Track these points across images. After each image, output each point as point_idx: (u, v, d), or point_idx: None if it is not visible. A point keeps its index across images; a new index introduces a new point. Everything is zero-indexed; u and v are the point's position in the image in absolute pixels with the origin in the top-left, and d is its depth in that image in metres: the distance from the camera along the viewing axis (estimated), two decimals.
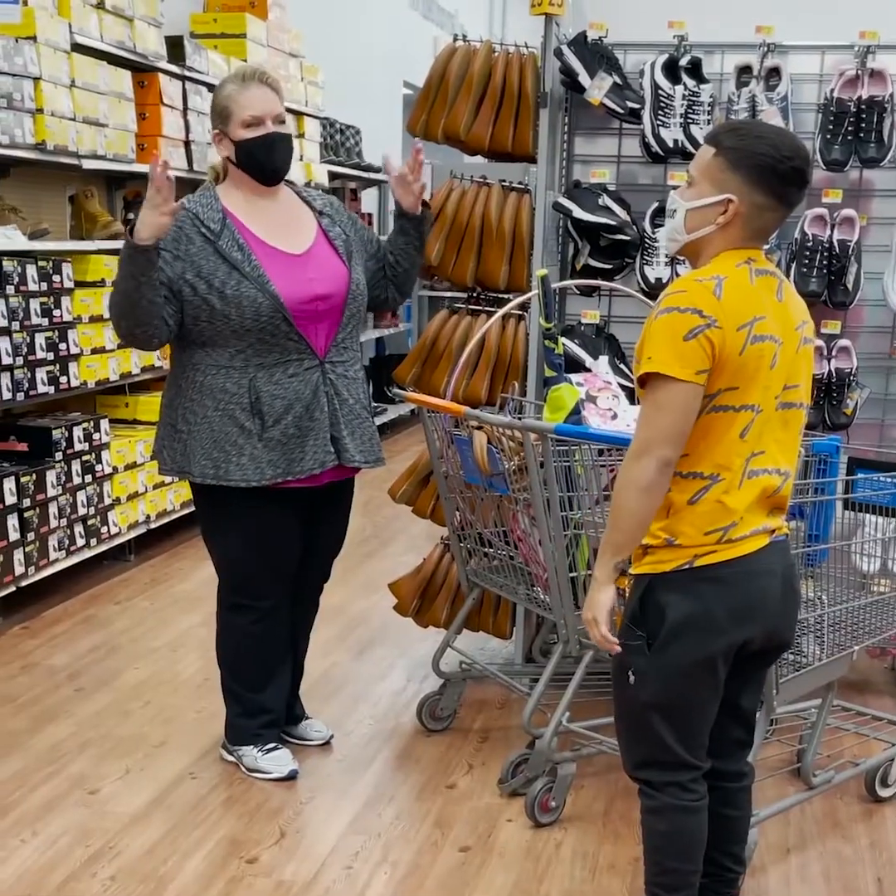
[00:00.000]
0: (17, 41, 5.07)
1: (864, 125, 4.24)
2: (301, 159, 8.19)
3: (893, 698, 4.47)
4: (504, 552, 3.81)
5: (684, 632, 2.54)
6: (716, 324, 2.45)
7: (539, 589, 3.70)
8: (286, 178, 3.67)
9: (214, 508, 3.63)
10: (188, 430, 3.53)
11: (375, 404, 9.81)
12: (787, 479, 2.61)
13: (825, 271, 4.31)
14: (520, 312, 4.36)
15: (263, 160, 3.53)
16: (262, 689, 3.78)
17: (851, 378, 4.38)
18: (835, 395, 4.37)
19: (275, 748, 3.80)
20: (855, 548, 4.25)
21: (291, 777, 3.75)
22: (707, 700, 2.63)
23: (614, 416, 3.58)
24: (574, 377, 3.74)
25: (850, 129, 4.25)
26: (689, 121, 4.30)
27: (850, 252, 4.29)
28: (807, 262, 4.30)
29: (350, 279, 3.62)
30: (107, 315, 5.67)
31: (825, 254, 4.31)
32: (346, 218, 3.80)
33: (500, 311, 4.09)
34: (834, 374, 4.36)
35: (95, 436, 5.65)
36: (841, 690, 4.30)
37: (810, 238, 4.31)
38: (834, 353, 4.39)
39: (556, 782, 3.53)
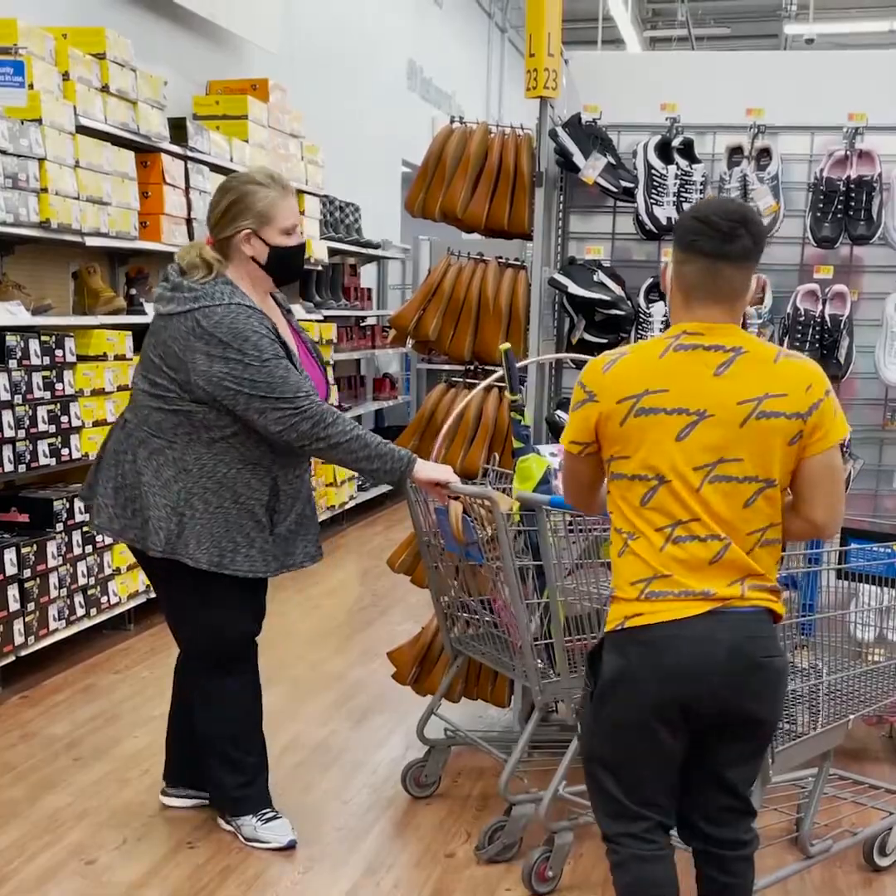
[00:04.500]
0: (23, 123, 5.18)
1: (853, 204, 4.33)
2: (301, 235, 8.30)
3: (891, 765, 4.48)
4: (488, 620, 3.84)
5: (613, 690, 2.64)
6: (594, 397, 2.67)
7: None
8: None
9: (205, 587, 3.58)
10: (192, 515, 3.50)
11: None
12: (728, 545, 2.60)
13: (817, 345, 4.38)
14: None
15: (293, 267, 3.70)
16: (260, 751, 3.81)
17: (845, 450, 4.43)
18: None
19: (274, 817, 3.80)
20: (851, 617, 4.27)
21: (290, 847, 3.75)
22: (646, 758, 2.65)
23: None
24: (547, 447, 3.82)
25: (839, 207, 4.34)
26: (682, 199, 4.39)
27: (841, 326, 4.36)
28: (799, 336, 4.38)
29: (327, 382, 3.79)
30: (108, 388, 5.78)
31: (817, 328, 4.38)
32: None
33: (482, 384, 4.20)
34: None
35: None
36: (838, 758, 4.29)
37: (802, 313, 4.39)
38: None
39: (553, 851, 3.53)
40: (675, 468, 2.60)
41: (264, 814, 3.79)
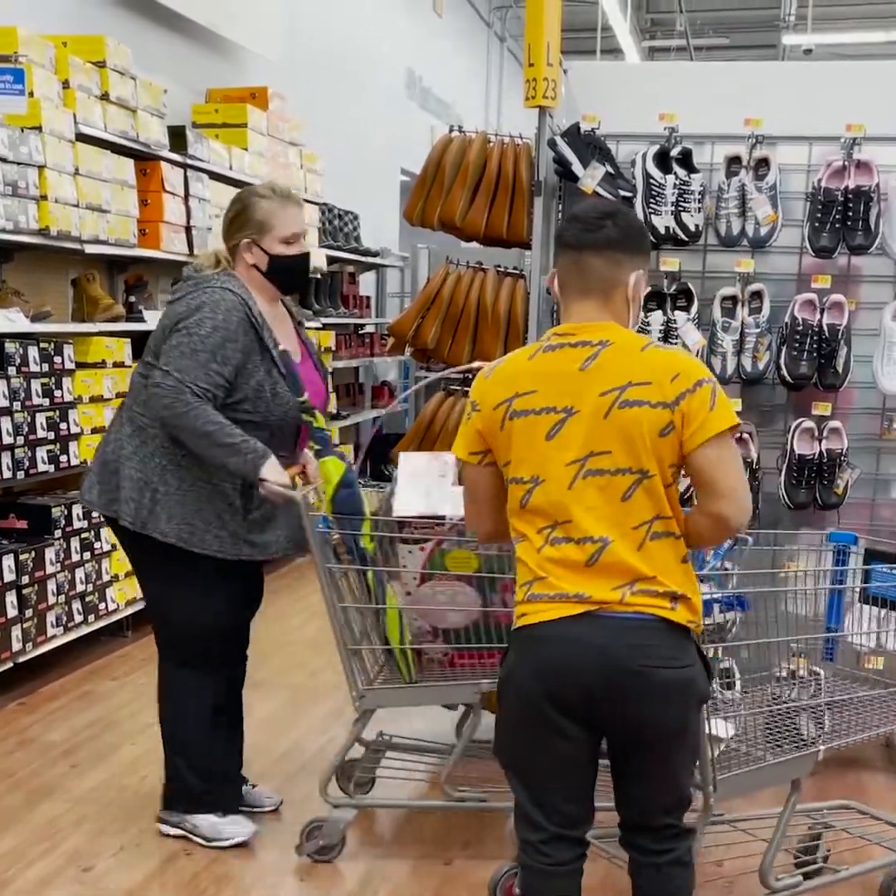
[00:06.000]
0: (23, 131, 5.19)
1: (851, 214, 4.35)
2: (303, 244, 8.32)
3: (886, 774, 4.49)
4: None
5: (504, 687, 2.68)
6: (477, 407, 2.71)
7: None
8: None
9: (177, 567, 3.65)
10: (167, 491, 3.59)
11: (373, 483, 9.82)
12: (603, 546, 2.57)
13: (815, 354, 4.39)
14: None
15: (296, 275, 3.77)
16: (217, 751, 3.83)
17: (842, 458, 4.44)
18: (826, 475, 4.43)
19: (234, 812, 3.86)
20: (850, 628, 4.28)
21: (251, 836, 3.80)
22: (537, 757, 2.64)
23: (426, 494, 3.65)
24: (420, 455, 3.86)
25: (837, 217, 4.36)
26: (681, 209, 4.41)
27: (839, 336, 4.38)
28: (797, 345, 4.39)
29: (327, 392, 3.87)
30: (107, 395, 5.78)
31: (815, 337, 4.39)
32: None
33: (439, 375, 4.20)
34: (825, 455, 4.43)
35: (94, 514, 5.69)
36: (835, 764, 4.29)
37: (800, 322, 4.41)
38: (825, 434, 4.46)
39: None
40: (547, 468, 2.61)
41: (223, 810, 3.84)
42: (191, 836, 3.80)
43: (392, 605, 3.62)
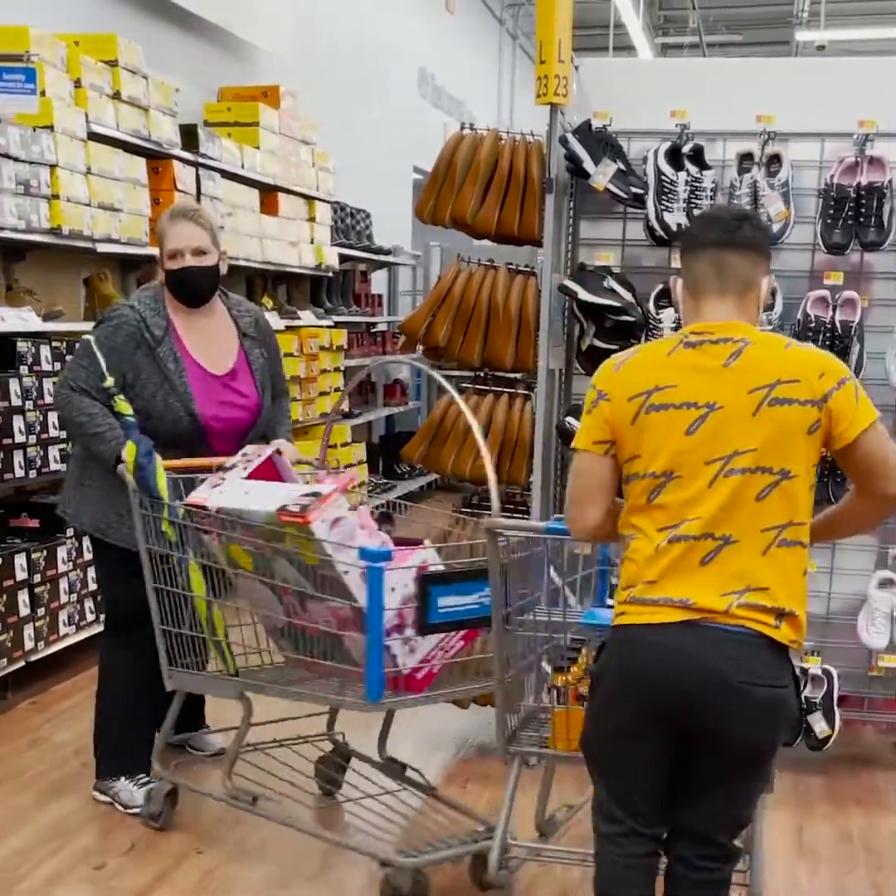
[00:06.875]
0: (34, 130, 5.19)
1: (863, 210, 4.33)
2: (312, 242, 8.33)
3: None
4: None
5: (596, 683, 2.68)
6: (605, 396, 2.66)
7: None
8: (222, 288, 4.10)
9: (101, 555, 4.06)
10: (90, 485, 3.94)
11: (385, 481, 9.80)
12: (724, 544, 2.54)
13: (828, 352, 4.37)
14: (526, 392, 4.44)
15: (188, 287, 3.96)
16: (145, 722, 4.04)
17: None
18: (838, 471, 4.40)
19: (149, 782, 4.00)
20: (863, 624, 4.28)
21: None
22: (618, 755, 2.65)
23: (217, 485, 3.64)
24: (253, 446, 3.87)
25: (850, 214, 4.33)
26: (693, 206, 4.39)
27: (852, 332, 4.36)
28: (809, 342, 4.37)
29: (259, 407, 4.07)
30: None
31: (828, 334, 4.37)
32: (270, 338, 4.20)
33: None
34: None
35: None
36: (848, 764, 4.30)
37: (812, 319, 4.39)
38: None
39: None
40: (684, 463, 2.57)
41: (140, 778, 4.00)
42: (115, 803, 4.01)
43: (199, 594, 3.69)
